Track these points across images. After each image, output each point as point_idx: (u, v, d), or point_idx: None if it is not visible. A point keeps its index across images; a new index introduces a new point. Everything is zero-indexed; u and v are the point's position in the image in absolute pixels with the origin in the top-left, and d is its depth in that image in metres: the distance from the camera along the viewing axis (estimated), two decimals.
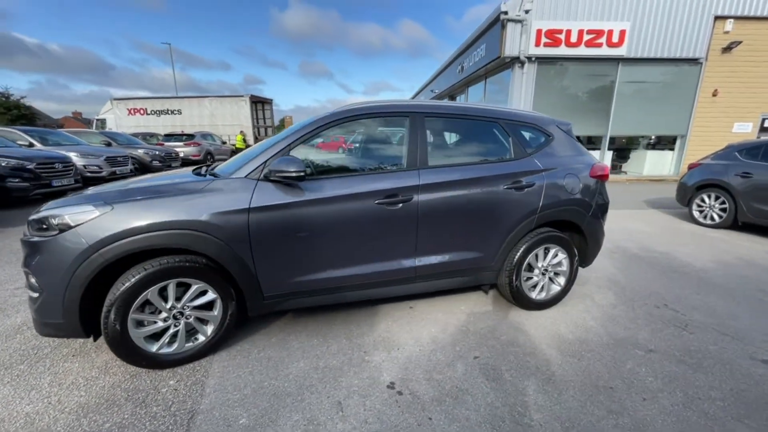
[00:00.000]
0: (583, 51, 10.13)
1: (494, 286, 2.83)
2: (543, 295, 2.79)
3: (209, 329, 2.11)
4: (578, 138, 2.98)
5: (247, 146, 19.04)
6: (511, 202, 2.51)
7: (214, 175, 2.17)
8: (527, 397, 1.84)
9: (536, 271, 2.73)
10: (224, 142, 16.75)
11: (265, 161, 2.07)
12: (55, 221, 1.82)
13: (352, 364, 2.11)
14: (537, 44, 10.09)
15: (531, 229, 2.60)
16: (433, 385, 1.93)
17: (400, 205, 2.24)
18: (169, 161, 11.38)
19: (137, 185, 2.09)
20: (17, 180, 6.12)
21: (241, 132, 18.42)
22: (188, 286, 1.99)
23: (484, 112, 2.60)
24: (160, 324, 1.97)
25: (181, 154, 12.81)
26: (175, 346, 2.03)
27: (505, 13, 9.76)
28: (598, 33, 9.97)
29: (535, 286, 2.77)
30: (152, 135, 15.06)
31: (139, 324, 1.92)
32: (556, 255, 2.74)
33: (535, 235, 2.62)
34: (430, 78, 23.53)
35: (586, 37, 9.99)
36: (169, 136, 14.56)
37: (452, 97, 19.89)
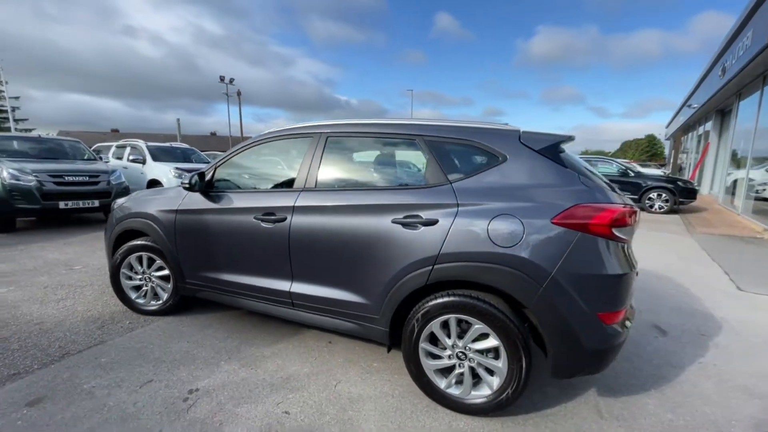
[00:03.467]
0: None
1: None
2: (459, 392, 1.86)
3: (165, 295, 2.86)
4: None
5: None
6: (398, 242, 1.89)
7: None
8: None
9: (447, 351, 1.87)
10: None
11: None
12: (113, 205, 3.10)
13: (203, 360, 2.28)
14: None
15: (425, 284, 1.83)
16: (213, 409, 1.83)
17: (273, 224, 2.23)
18: None
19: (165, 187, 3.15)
20: None
21: None
22: (155, 261, 2.82)
23: (400, 128, 2.10)
24: (137, 282, 2.89)
25: None
26: (144, 300, 2.90)
27: None
28: None
29: (446, 373, 1.90)
30: None
31: (129, 278, 2.91)
32: (484, 337, 1.78)
33: (440, 297, 1.82)
34: (691, 89, 17.31)
35: None
36: None
37: (721, 113, 13.92)
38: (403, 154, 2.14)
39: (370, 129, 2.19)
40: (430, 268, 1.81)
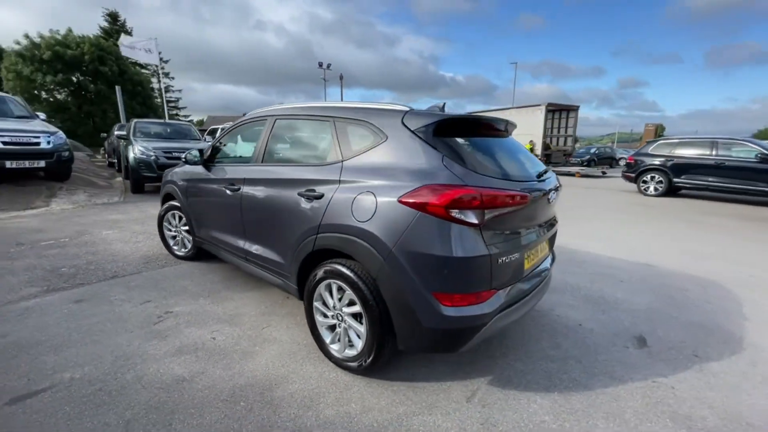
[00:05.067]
0: None
1: None
2: (337, 348, 2.09)
3: (189, 245, 3.72)
4: None
5: (534, 155, 18.65)
6: (300, 212, 2.16)
7: None
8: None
9: (330, 312, 2.10)
10: None
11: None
12: (165, 172, 4.06)
13: (190, 294, 2.97)
14: None
15: (312, 250, 2.07)
16: (170, 326, 2.47)
17: (233, 192, 2.72)
18: None
19: None
20: None
21: (530, 141, 18.31)
22: (183, 218, 3.68)
23: (321, 110, 2.31)
24: (173, 233, 3.81)
25: None
26: (177, 247, 3.82)
27: None
28: None
29: (332, 331, 2.14)
30: None
31: (168, 229, 3.85)
32: (353, 303, 1.95)
33: (326, 263, 2.04)
34: None
35: None
36: None
37: None
38: (320, 134, 2.33)
39: (302, 112, 2.46)
40: (315, 236, 2.04)
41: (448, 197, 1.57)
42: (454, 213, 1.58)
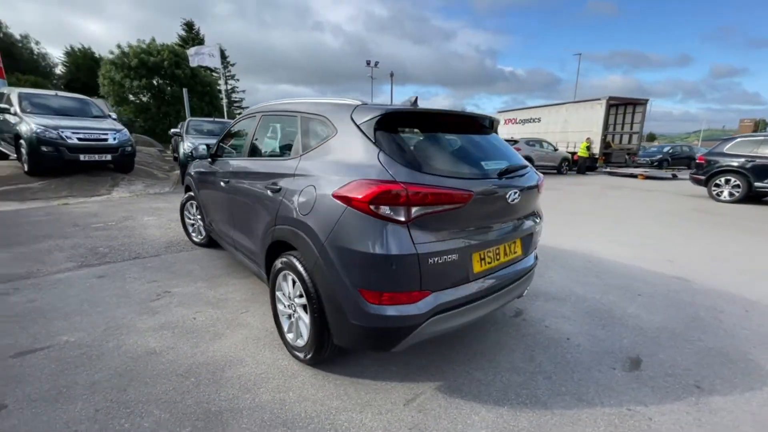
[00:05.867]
0: None
1: None
2: (292, 336, 2.14)
3: (204, 232, 4.04)
4: None
5: (591, 155, 17.03)
6: (265, 204, 2.26)
7: None
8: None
9: (287, 302, 2.16)
10: (556, 149, 16.19)
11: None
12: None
13: (192, 277, 3.24)
14: None
15: (271, 242, 2.15)
16: (163, 303, 2.73)
17: (225, 184, 2.90)
18: None
19: None
20: None
21: (587, 139, 16.72)
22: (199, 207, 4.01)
23: (292, 106, 2.36)
24: (191, 220, 4.17)
25: None
26: (195, 234, 4.17)
27: None
28: None
29: (289, 320, 2.20)
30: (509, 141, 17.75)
31: (188, 218, 4.22)
32: (302, 295, 1.99)
33: (282, 255, 2.11)
34: None
35: None
36: (507, 141, 16.56)
37: None
38: (290, 129, 2.39)
39: (279, 108, 2.55)
40: (273, 228, 2.12)
41: (372, 193, 1.53)
42: (380, 209, 1.54)
